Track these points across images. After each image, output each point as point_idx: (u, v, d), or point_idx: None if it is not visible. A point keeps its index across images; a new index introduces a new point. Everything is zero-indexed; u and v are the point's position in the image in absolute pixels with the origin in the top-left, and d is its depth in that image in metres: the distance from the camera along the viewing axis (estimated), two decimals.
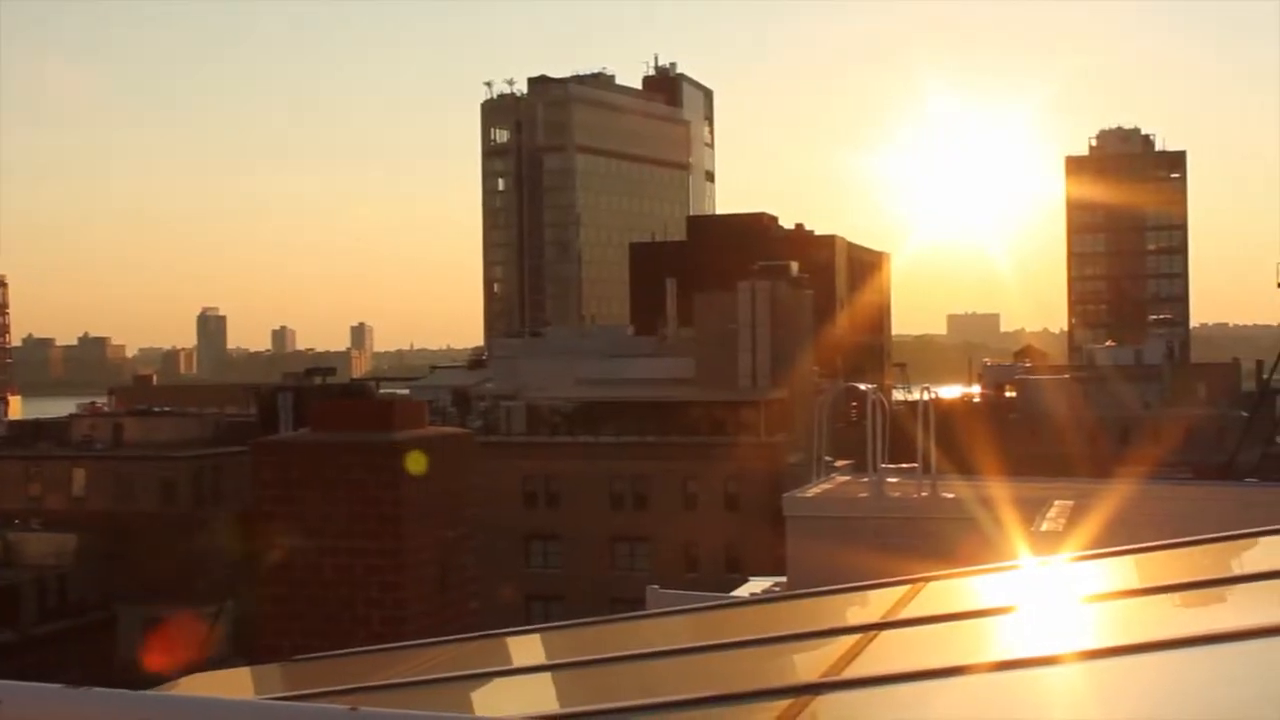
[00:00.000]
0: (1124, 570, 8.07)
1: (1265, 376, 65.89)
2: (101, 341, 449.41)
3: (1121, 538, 11.37)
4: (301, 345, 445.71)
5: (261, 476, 11.42)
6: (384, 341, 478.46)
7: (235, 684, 8.58)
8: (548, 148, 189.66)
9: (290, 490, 11.13)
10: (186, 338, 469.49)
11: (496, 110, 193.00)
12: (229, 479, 73.71)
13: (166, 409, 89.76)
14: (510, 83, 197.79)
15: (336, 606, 10.58)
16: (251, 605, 11.20)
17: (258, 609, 11.15)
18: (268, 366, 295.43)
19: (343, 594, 10.69)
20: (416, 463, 11.02)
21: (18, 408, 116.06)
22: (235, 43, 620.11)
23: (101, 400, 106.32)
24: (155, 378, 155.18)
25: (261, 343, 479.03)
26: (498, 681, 7.11)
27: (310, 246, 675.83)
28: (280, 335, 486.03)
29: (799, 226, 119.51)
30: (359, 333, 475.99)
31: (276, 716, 3.14)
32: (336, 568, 10.70)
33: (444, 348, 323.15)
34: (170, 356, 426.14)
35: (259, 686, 8.38)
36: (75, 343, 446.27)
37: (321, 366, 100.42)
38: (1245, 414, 73.48)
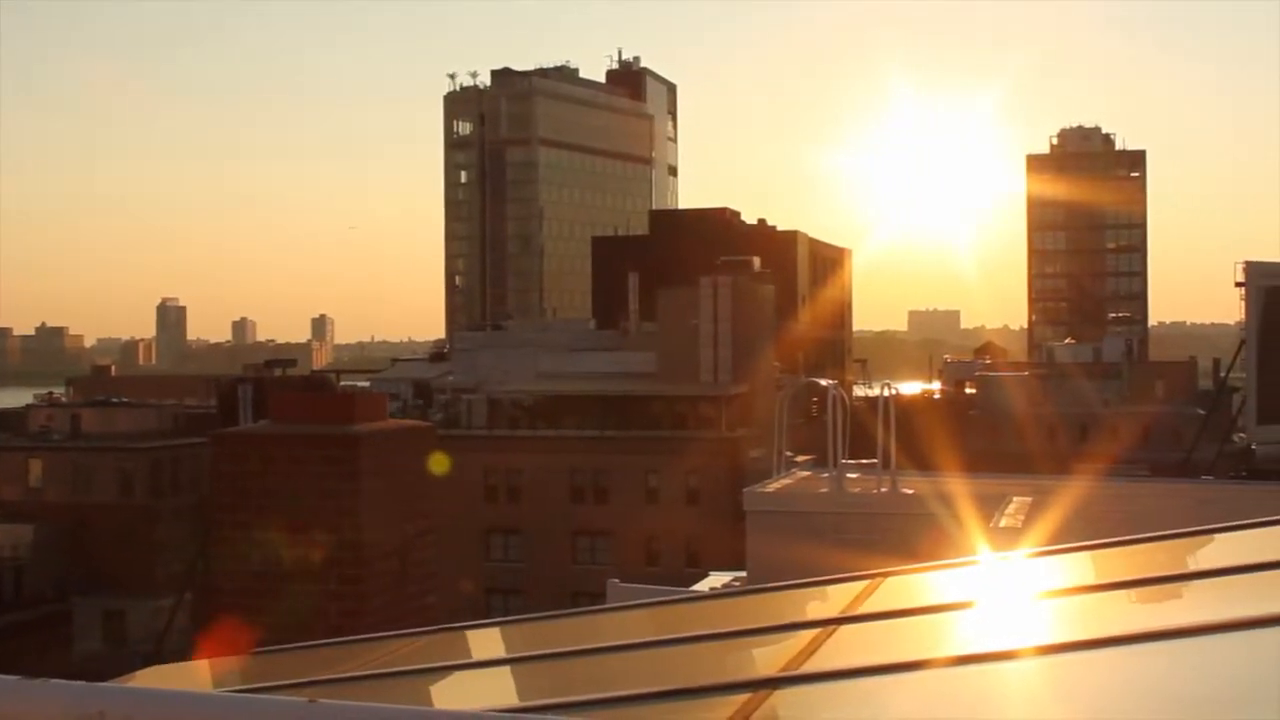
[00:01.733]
0: (1081, 566, 8.12)
1: (1223, 375, 66.42)
2: (59, 331, 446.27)
3: (1079, 534, 11.45)
4: (262, 337, 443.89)
5: (220, 469, 11.37)
6: (345, 334, 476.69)
7: (193, 677, 8.54)
8: (511, 141, 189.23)
9: (249, 482, 11.09)
10: (146, 328, 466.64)
11: (459, 102, 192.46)
12: (188, 471, 73.43)
13: (125, 400, 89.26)
14: (474, 75, 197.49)
15: (295, 599, 10.55)
16: (210, 598, 11.15)
17: (216, 602, 11.11)
18: (228, 358, 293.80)
19: (301, 587, 10.65)
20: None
21: None
22: (198, 33, 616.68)
23: (59, 391, 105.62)
24: (114, 368, 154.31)
25: (222, 334, 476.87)
26: (457, 675, 7.10)
27: (271, 237, 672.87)
28: (241, 327, 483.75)
29: (761, 222, 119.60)
30: (320, 324, 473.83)
31: (233, 709, 3.12)
32: (295, 560, 10.67)
33: (405, 340, 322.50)
34: (129, 347, 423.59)
35: (217, 679, 8.34)
36: (33, 332, 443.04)
37: (282, 358, 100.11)
38: (1202, 412, 74.05)
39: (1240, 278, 49.69)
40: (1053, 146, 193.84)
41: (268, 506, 10.92)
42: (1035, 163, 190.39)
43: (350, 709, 2.93)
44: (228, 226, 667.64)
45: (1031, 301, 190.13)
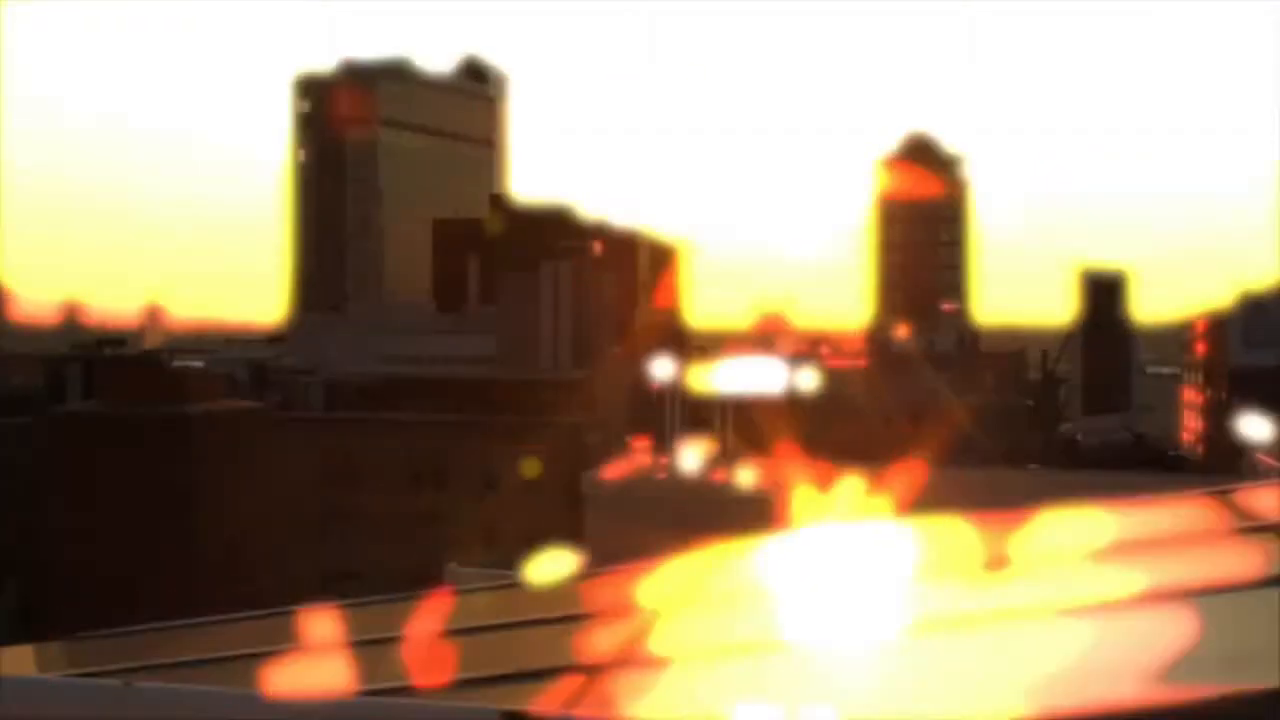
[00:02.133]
0: (917, 543, 8.27)
1: (1050, 366, 68.24)
2: None
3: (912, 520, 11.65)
4: (92, 320, 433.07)
5: (49, 449, 11.08)
6: (180, 317, 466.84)
7: (14, 662, 8.29)
8: (351, 120, 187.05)
9: (80, 463, 10.84)
10: None
11: (301, 87, 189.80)
12: (11, 452, 71.30)
13: None
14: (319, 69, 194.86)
15: (122, 584, 10.33)
16: (32, 582, 10.88)
17: (39, 586, 10.84)
18: (56, 341, 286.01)
19: (129, 570, 10.44)
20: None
21: None
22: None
23: None
24: None
25: (50, 314, 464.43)
26: (287, 659, 6.99)
27: (103, 216, 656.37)
28: (69, 309, 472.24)
29: (602, 221, 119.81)
30: (153, 308, 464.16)
31: (48, 693, 3.04)
32: (123, 543, 10.45)
33: (243, 324, 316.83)
34: None
35: (41, 665, 8.12)
36: None
37: (112, 337, 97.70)
38: (1030, 403, 75.98)
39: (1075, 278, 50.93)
40: (893, 151, 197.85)
41: (98, 487, 10.68)
42: (882, 164, 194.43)
43: (165, 691, 2.87)
44: (58, 205, 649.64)
45: (870, 295, 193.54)
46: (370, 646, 7.07)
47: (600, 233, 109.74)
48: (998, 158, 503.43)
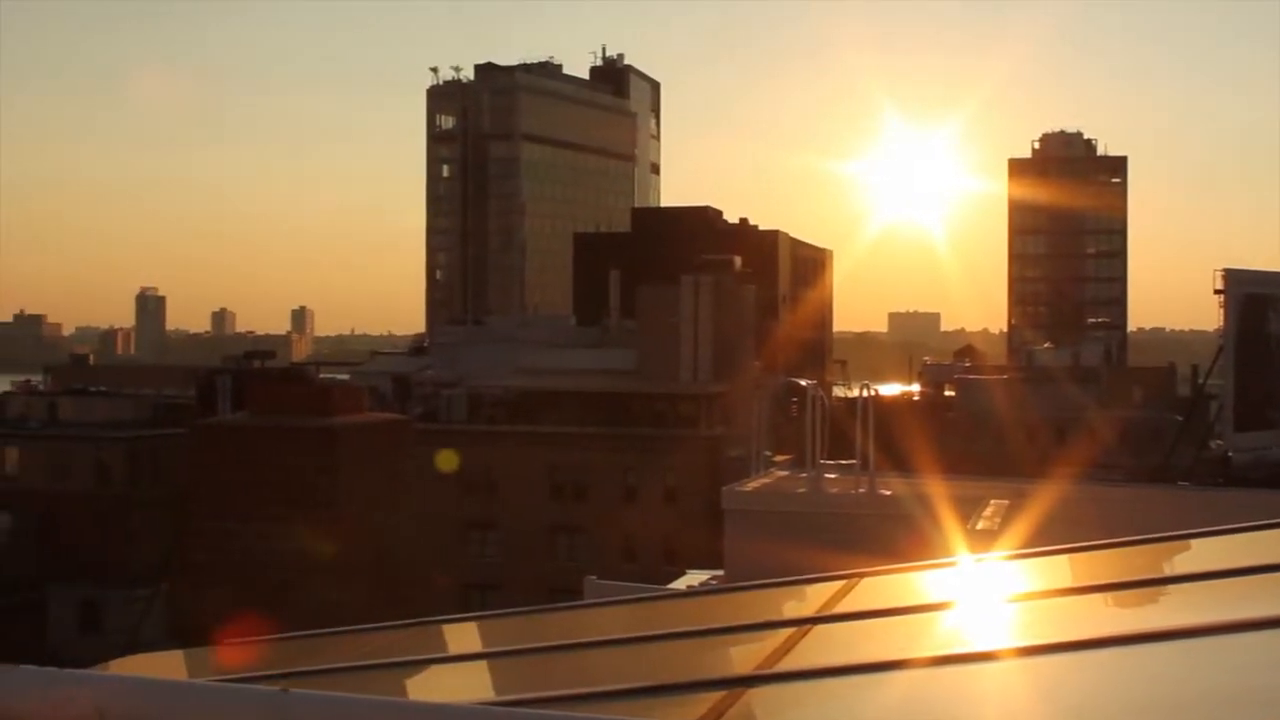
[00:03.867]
0: (1058, 569, 8.14)
1: (1200, 381, 66.68)
2: (38, 319, 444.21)
3: (1056, 538, 11.47)
4: (241, 328, 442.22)
5: (198, 459, 11.37)
6: (325, 326, 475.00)
7: (167, 666, 8.51)
8: (493, 135, 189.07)
9: (228, 473, 11.08)
10: (125, 317, 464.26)
11: (442, 96, 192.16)
12: (166, 461, 73.15)
13: (103, 389, 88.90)
14: (457, 69, 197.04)
15: (271, 590, 10.55)
16: (186, 588, 11.15)
17: (192, 592, 11.11)
18: (207, 348, 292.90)
19: (278, 578, 10.66)
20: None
21: None
22: (180, 18, 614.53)
23: (37, 379, 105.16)
24: (92, 357, 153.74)
25: (201, 324, 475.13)
26: (433, 668, 7.10)
27: (252, 228, 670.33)
28: (220, 317, 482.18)
29: (743, 221, 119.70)
30: (300, 316, 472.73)
31: (205, 697, 3.12)
32: (272, 551, 10.67)
33: (385, 333, 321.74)
34: (108, 336, 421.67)
35: (191, 669, 8.32)
36: (10, 320, 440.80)
37: (261, 350, 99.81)
38: (1180, 418, 74.33)
39: (1219, 285, 49.85)
40: (1034, 151, 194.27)
41: (245, 498, 10.93)
42: (1017, 167, 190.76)
43: (322, 698, 2.93)
44: (209, 216, 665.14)
45: (1011, 305, 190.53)
46: (511, 657, 7.15)
47: (742, 237, 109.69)
48: (1149, 156, 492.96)
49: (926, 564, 9.30)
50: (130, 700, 3.14)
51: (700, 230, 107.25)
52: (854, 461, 21.01)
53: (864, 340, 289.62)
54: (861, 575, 8.02)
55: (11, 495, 73.16)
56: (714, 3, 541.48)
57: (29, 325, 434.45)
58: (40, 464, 75.72)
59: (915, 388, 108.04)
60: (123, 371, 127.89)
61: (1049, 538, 11.94)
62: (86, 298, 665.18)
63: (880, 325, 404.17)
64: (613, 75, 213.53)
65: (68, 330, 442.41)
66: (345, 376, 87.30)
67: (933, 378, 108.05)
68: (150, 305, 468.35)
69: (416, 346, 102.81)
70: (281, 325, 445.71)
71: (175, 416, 72.99)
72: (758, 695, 5.26)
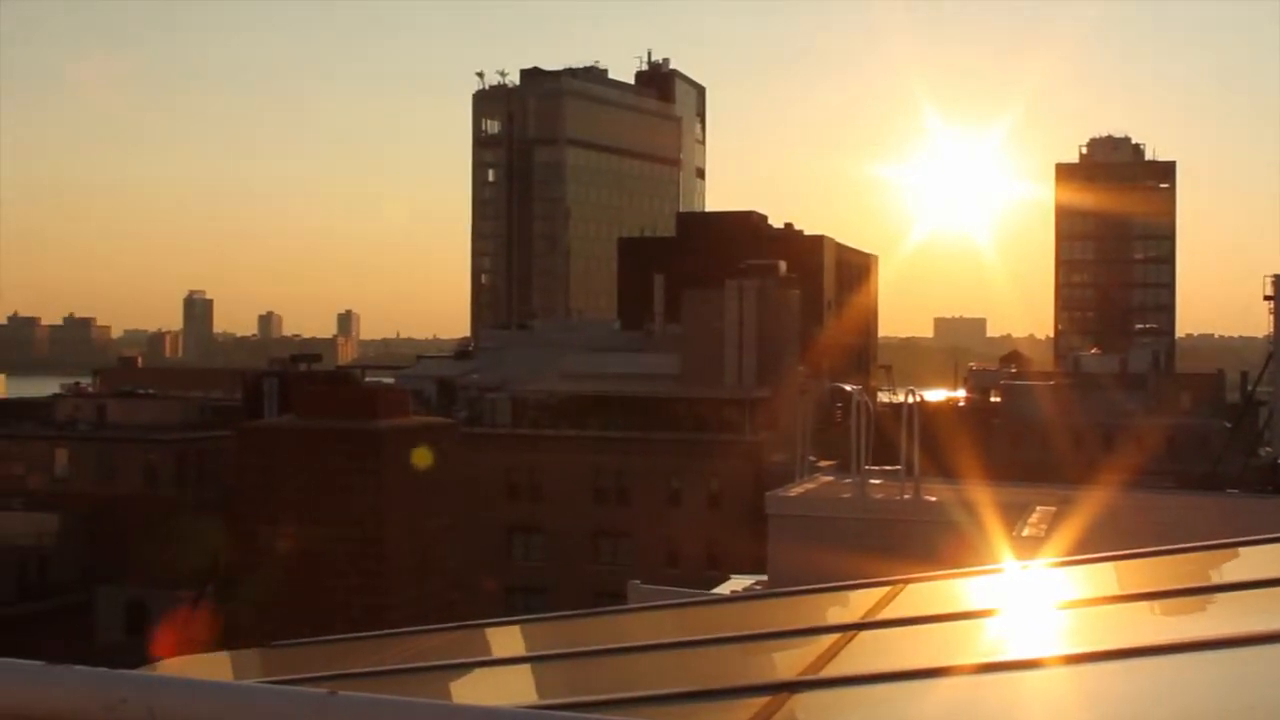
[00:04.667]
0: (1105, 577, 8.09)
1: (1250, 388, 66.09)
2: (87, 322, 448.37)
3: (1103, 545, 11.40)
4: (288, 331, 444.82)
5: (245, 461, 11.41)
6: (371, 329, 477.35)
7: (214, 668, 8.57)
8: (539, 140, 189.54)
9: (274, 476, 11.12)
10: (173, 320, 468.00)
11: (488, 101, 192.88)
12: (212, 463, 73.63)
13: (151, 391, 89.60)
14: (503, 74, 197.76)
15: (317, 593, 10.58)
16: (232, 590, 11.19)
17: (239, 594, 11.15)
18: (254, 351, 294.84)
19: (323, 580, 10.69)
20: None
21: (1, 386, 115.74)
22: (228, 25, 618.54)
23: (86, 381, 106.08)
24: (140, 360, 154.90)
25: (248, 327, 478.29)
26: (478, 672, 7.12)
27: (298, 232, 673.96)
28: (267, 320, 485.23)
29: (788, 226, 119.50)
30: (346, 320, 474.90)
31: (254, 698, 3.14)
32: (317, 554, 10.71)
33: (430, 337, 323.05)
34: (156, 339, 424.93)
35: (237, 671, 8.37)
36: (60, 323, 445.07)
37: (307, 353, 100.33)
38: (1229, 425, 73.74)
39: (1269, 291, 49.45)
40: (1082, 156, 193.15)
41: (291, 500, 10.97)
42: (1064, 172, 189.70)
43: (370, 701, 2.95)
44: (255, 220, 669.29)
45: (1058, 311, 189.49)
46: (556, 661, 7.16)
47: (787, 242, 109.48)
48: (1198, 161, 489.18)
49: (972, 570, 9.26)
50: (180, 701, 3.16)
51: (745, 235, 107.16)
52: (899, 467, 20.92)
53: (909, 346, 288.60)
54: (906, 581, 7.99)
55: (60, 497, 73.81)
56: (759, 6, 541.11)
57: (78, 328, 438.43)
58: (89, 466, 76.40)
59: (961, 393, 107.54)
60: (170, 374, 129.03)
61: (1095, 545, 11.86)
62: (135, 301, 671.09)
63: (926, 331, 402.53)
64: (658, 80, 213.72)
65: (116, 333, 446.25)
66: (390, 380, 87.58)
67: (978, 383, 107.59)
68: (198, 309, 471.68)
69: (461, 350, 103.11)
70: (327, 329, 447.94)
71: (222, 419, 73.45)
72: (802, 701, 5.25)
